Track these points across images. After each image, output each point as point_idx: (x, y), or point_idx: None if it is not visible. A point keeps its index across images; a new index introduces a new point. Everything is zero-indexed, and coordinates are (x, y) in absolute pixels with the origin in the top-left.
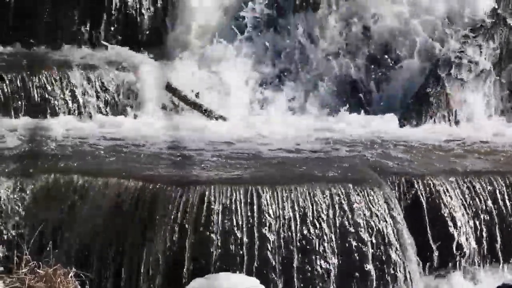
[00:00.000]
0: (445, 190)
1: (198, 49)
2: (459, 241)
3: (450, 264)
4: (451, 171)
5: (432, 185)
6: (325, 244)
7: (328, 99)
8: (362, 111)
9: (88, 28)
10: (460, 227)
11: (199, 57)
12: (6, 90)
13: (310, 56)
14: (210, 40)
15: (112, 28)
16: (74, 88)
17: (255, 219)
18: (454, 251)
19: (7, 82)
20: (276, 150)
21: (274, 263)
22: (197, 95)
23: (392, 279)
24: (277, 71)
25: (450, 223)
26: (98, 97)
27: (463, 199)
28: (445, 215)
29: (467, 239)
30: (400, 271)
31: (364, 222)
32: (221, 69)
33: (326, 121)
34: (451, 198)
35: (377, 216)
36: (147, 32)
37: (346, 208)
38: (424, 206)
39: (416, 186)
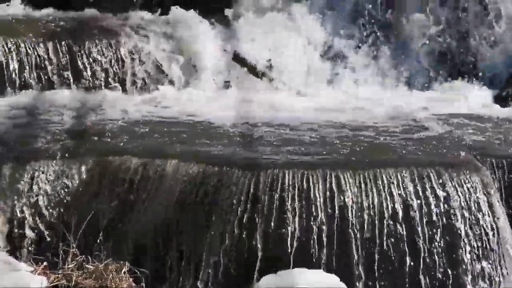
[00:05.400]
0: None
1: (267, 13)
2: None
3: None
4: None
5: None
6: (415, 237)
7: (415, 70)
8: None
9: None
10: None
11: (268, 22)
12: (51, 60)
13: (393, 23)
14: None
15: None
16: (125, 58)
17: (335, 208)
18: None
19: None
20: (357, 129)
21: (356, 257)
22: (270, 65)
23: (489, 271)
24: (357, 39)
25: None
26: (152, 68)
27: None
28: None
29: None
30: (498, 264)
31: (459, 211)
32: (292, 35)
33: (413, 96)
34: None
35: (474, 204)
36: None
37: (439, 195)
38: None
39: None
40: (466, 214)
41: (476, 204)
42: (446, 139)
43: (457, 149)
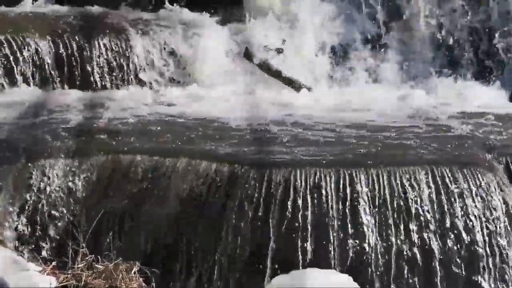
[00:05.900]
0: None
1: (280, 10)
2: None
3: None
4: None
5: None
6: (429, 235)
7: (427, 66)
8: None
9: None
10: None
11: (279, 19)
12: (59, 58)
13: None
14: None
15: None
16: (133, 56)
17: (348, 207)
18: None
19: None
20: (371, 127)
21: (370, 257)
22: (281, 50)
23: (503, 273)
24: (367, 36)
25: None
26: (159, 66)
27: None
28: None
29: None
30: None
31: (474, 211)
32: (302, 33)
33: (426, 93)
34: None
35: (489, 204)
36: None
37: (453, 194)
38: None
39: None
40: (481, 214)
41: (491, 204)
42: (461, 137)
43: (472, 147)
